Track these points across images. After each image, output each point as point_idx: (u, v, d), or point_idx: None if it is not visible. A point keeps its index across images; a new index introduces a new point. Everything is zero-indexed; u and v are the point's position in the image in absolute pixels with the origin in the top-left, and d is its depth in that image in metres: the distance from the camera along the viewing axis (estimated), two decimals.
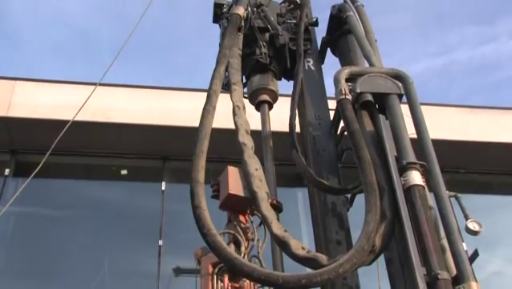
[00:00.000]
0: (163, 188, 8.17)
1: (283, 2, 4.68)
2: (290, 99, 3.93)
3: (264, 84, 4.27)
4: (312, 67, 4.34)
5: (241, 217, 3.47)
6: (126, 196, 8.38)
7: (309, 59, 4.36)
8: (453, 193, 3.11)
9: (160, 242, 7.56)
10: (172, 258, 7.47)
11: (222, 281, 3.22)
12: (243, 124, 3.51)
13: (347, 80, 3.53)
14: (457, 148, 8.39)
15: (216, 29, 4.53)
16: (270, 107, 4.30)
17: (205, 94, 3.47)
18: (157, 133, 8.11)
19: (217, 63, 3.71)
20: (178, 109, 8.11)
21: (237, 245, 3.33)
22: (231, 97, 3.69)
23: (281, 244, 2.91)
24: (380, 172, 3.08)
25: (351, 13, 4.29)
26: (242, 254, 3.26)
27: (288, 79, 4.43)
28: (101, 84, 5.81)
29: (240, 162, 3.34)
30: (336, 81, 3.51)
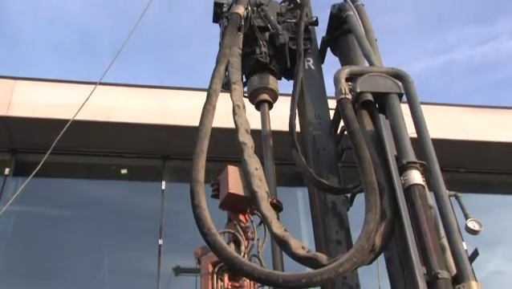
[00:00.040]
0: (163, 187, 8.17)
1: (283, 2, 4.68)
2: (290, 98, 3.93)
3: (264, 83, 4.27)
4: (312, 67, 4.34)
5: (241, 217, 3.47)
6: (126, 195, 8.38)
7: (309, 59, 4.36)
8: (452, 193, 3.11)
9: (160, 242, 7.57)
10: (172, 257, 7.47)
11: (222, 280, 3.23)
12: (243, 124, 3.51)
13: (347, 80, 3.53)
14: (457, 147, 8.40)
15: (216, 28, 4.54)
16: (270, 107, 4.30)
17: (205, 93, 3.47)
18: (157, 132, 8.11)
19: (217, 62, 3.71)
20: (178, 108, 8.11)
21: (237, 244, 3.34)
22: (231, 96, 3.69)
23: (281, 243, 2.91)
24: (380, 171, 3.08)
25: (351, 12, 4.29)
26: (242, 254, 3.26)
27: (288, 78, 4.43)
28: (101, 84, 5.81)
29: (240, 161, 3.34)
30: (336, 80, 3.52)
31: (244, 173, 3.30)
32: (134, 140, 8.17)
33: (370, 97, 3.43)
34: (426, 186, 3.05)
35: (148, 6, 5.33)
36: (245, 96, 3.97)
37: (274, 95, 4.31)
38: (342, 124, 3.61)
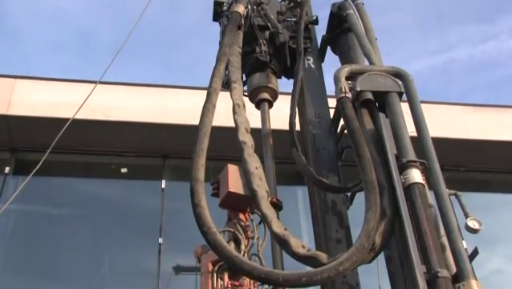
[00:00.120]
0: (163, 186, 8.17)
1: (283, 0, 4.67)
2: (290, 97, 3.93)
3: (264, 82, 4.27)
4: (312, 66, 4.34)
5: (241, 216, 3.48)
6: (126, 194, 8.38)
7: (309, 57, 4.36)
8: (452, 191, 3.11)
9: (160, 240, 7.57)
10: (172, 256, 7.47)
11: (222, 279, 3.23)
12: (243, 123, 3.51)
13: (347, 78, 3.53)
14: (457, 146, 8.40)
15: (216, 27, 4.54)
16: (270, 106, 4.30)
17: (205, 92, 3.47)
18: (157, 131, 8.11)
19: (217, 61, 3.71)
20: (178, 107, 8.11)
21: (237, 243, 3.34)
22: (231, 95, 3.69)
23: (281, 242, 2.91)
24: (380, 170, 3.08)
25: (352, 11, 4.29)
26: (242, 253, 3.26)
27: (288, 77, 4.43)
28: (101, 82, 5.80)
29: (240, 160, 3.34)
30: (336, 79, 3.51)
31: (244, 172, 3.30)
32: (134, 138, 8.17)
33: (370, 96, 3.43)
34: (426, 185, 3.05)
35: (148, 5, 5.33)
36: (245, 95, 3.97)
37: (274, 94, 4.31)
38: (342, 122, 3.61)
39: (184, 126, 7.56)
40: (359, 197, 3.18)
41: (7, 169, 8.05)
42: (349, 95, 3.42)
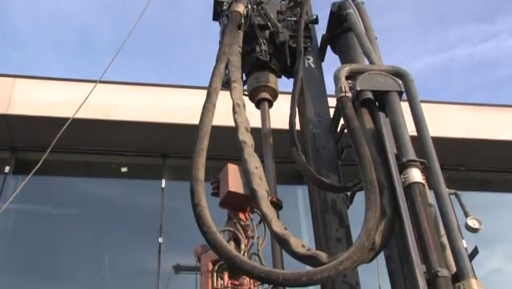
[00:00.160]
0: (163, 185, 8.17)
1: (283, 0, 4.67)
2: (290, 96, 3.93)
3: (264, 82, 4.27)
4: (312, 65, 4.34)
5: (241, 215, 3.47)
6: (126, 193, 8.38)
7: (309, 57, 4.36)
8: (452, 191, 3.11)
9: (160, 240, 7.57)
10: (172, 255, 7.47)
11: (222, 278, 3.23)
12: (243, 122, 3.51)
13: (347, 78, 3.53)
14: (457, 145, 8.40)
15: (216, 26, 4.54)
16: (270, 105, 4.30)
17: (205, 91, 3.47)
18: (157, 131, 8.11)
19: (217, 60, 3.71)
20: (178, 107, 8.11)
21: (237, 242, 3.34)
22: (231, 95, 3.69)
23: (281, 242, 2.91)
24: (380, 169, 3.08)
25: (352, 10, 4.29)
26: (242, 252, 3.26)
27: (288, 76, 4.43)
28: (101, 82, 5.81)
29: (240, 160, 3.34)
30: (336, 79, 3.52)
31: (244, 172, 3.30)
32: (134, 138, 8.17)
33: (370, 95, 3.43)
34: (426, 184, 3.05)
35: (148, 4, 5.33)
36: (245, 95, 3.97)
37: (274, 94, 4.31)
38: (342, 122, 3.61)
39: (185, 125, 7.56)
40: (359, 197, 3.18)
41: (7, 169, 8.05)
42: (349, 94, 3.42)
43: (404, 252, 2.85)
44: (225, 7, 4.42)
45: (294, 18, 4.48)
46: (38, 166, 5.28)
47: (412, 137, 3.25)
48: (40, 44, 16.69)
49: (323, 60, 4.50)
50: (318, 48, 4.53)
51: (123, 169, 8.45)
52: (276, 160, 3.94)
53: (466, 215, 3.02)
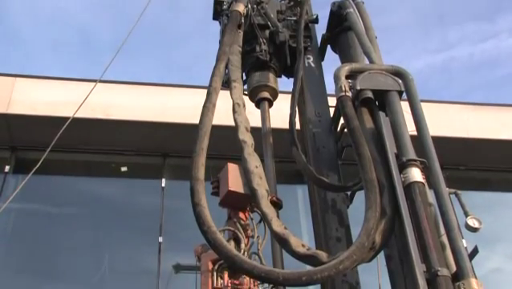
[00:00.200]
0: (163, 185, 8.17)
1: None
2: (290, 96, 3.93)
3: (264, 81, 4.27)
4: (312, 64, 4.34)
5: (241, 214, 3.47)
6: (126, 193, 8.38)
7: (309, 56, 4.36)
8: (452, 190, 3.11)
9: (160, 239, 7.57)
10: (172, 254, 7.47)
11: (222, 278, 3.23)
12: (243, 122, 3.51)
13: (348, 77, 3.53)
14: (457, 144, 8.39)
15: (216, 26, 4.54)
16: (270, 105, 4.30)
17: (205, 91, 3.47)
18: (157, 130, 8.11)
19: (217, 60, 3.71)
20: (178, 106, 8.11)
21: (237, 242, 3.33)
22: (231, 94, 3.69)
23: (281, 241, 2.91)
24: (380, 169, 3.08)
25: (352, 10, 4.29)
26: (242, 251, 3.26)
27: (288, 76, 4.43)
28: (101, 81, 5.81)
29: (240, 159, 3.34)
30: (336, 78, 3.52)
31: (244, 171, 3.30)
32: (134, 137, 8.17)
33: (370, 95, 3.43)
34: (426, 184, 3.05)
35: (148, 4, 5.33)
36: (245, 94, 3.97)
37: (274, 93, 4.31)
38: (342, 121, 3.61)
39: (185, 125, 7.56)
40: (359, 196, 3.18)
41: (7, 168, 8.05)
42: (349, 93, 3.42)
43: (404, 251, 2.85)
44: (225, 7, 4.42)
45: (294, 18, 4.48)
46: (38, 165, 5.29)
47: (412, 137, 3.25)
48: (40, 44, 16.71)
49: (322, 60, 4.50)
50: (318, 47, 4.53)
51: (123, 169, 8.44)
52: (276, 159, 3.94)
53: (466, 215, 3.02)
